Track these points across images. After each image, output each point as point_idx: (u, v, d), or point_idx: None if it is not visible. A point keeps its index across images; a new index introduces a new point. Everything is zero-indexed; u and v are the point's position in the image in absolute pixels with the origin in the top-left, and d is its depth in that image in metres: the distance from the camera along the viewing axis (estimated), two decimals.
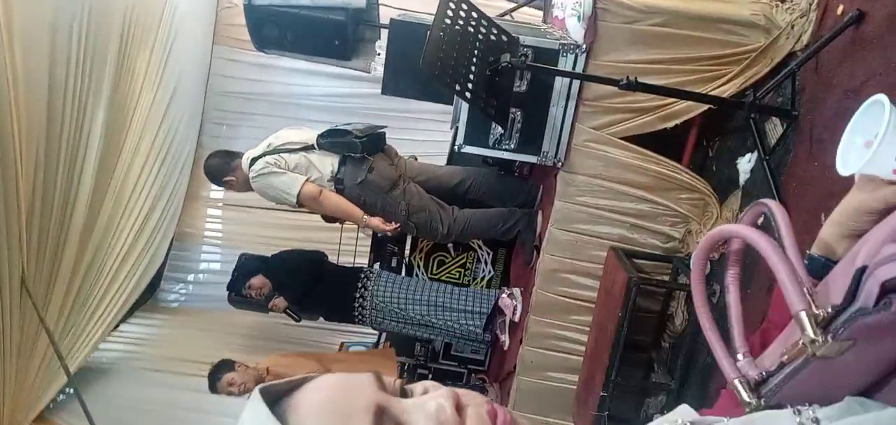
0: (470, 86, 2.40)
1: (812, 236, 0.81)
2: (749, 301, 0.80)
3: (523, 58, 2.55)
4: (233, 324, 4.84)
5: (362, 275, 3.59)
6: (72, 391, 3.81)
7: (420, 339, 3.82)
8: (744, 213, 0.80)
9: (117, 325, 4.50)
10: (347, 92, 5.14)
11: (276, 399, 0.56)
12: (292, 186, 3.05)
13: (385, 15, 3.81)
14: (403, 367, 3.89)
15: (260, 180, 3.10)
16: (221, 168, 3.29)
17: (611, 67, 2.56)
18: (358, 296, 3.51)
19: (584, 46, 2.61)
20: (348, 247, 3.91)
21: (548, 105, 2.72)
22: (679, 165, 2.78)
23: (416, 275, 3.80)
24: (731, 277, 0.81)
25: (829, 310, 0.59)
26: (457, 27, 2.40)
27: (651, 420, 0.71)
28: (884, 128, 0.73)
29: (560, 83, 2.68)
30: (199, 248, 5.50)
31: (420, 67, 2.35)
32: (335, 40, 3.72)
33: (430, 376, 3.82)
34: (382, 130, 3.29)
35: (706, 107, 2.58)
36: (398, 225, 3.16)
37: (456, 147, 2.97)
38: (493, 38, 2.50)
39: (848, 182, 0.80)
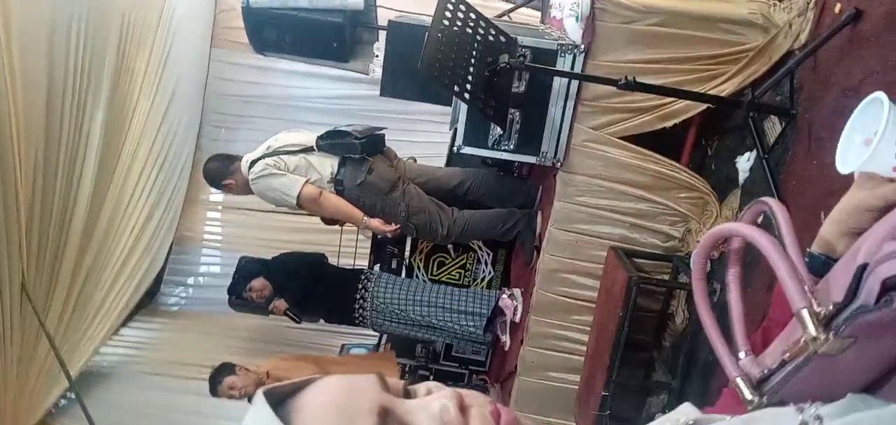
0: (468, 87, 2.40)
1: (812, 234, 0.81)
2: (749, 299, 0.80)
3: (521, 58, 2.55)
4: (233, 327, 4.84)
5: (362, 277, 3.59)
6: (73, 396, 3.81)
7: (421, 340, 3.82)
8: (744, 212, 0.81)
9: (118, 329, 4.51)
10: (346, 94, 5.14)
11: (279, 401, 0.56)
12: (292, 188, 3.05)
13: (383, 16, 3.82)
14: (404, 369, 3.89)
15: (260, 182, 3.10)
16: (220, 171, 3.29)
17: (609, 67, 2.56)
18: (358, 297, 3.51)
19: (583, 46, 2.61)
20: (348, 249, 3.91)
21: (546, 105, 2.72)
22: (678, 164, 2.79)
23: (417, 277, 3.80)
24: (732, 276, 0.81)
25: (831, 307, 0.59)
26: (455, 28, 2.41)
27: (653, 419, 0.71)
28: (883, 125, 0.73)
29: (558, 83, 2.68)
30: (198, 252, 5.50)
31: (418, 69, 2.35)
32: (333, 42, 3.73)
33: (432, 377, 3.82)
34: (381, 132, 3.30)
35: (705, 106, 2.58)
36: (398, 226, 3.17)
37: (455, 148, 2.97)
38: (491, 38, 2.51)
39: (847, 180, 0.81)
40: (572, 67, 2.63)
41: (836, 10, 2.14)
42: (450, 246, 3.75)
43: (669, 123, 2.66)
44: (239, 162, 3.23)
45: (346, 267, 3.83)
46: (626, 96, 2.59)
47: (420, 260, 3.82)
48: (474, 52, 2.43)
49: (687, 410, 0.68)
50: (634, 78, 2.27)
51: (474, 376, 3.95)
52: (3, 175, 2.97)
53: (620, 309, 2.52)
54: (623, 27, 2.55)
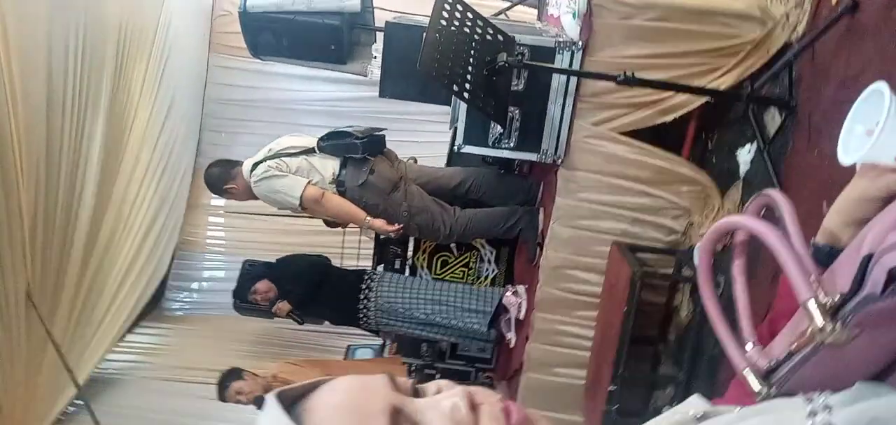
0: (467, 86, 2.40)
1: (814, 224, 0.82)
2: (754, 291, 0.81)
3: (520, 57, 2.56)
4: (238, 331, 4.86)
5: (366, 277, 3.59)
6: (81, 402, 3.83)
7: (425, 340, 3.82)
8: (748, 204, 0.81)
9: (123, 336, 4.52)
10: (345, 96, 5.15)
11: (290, 403, 0.56)
12: (294, 189, 3.05)
13: (380, 18, 3.82)
14: (410, 368, 3.89)
15: (262, 185, 3.10)
16: (222, 176, 3.29)
17: (608, 63, 2.56)
18: (362, 297, 3.51)
19: (581, 43, 2.61)
20: (351, 250, 3.92)
21: (546, 103, 2.72)
22: (679, 158, 2.79)
23: (421, 276, 3.81)
24: (738, 268, 0.82)
25: (837, 298, 0.59)
26: (452, 28, 2.41)
27: (660, 412, 0.72)
28: (884, 115, 0.74)
29: (557, 81, 2.69)
30: (202, 256, 5.52)
31: (417, 69, 2.35)
32: (331, 45, 3.73)
33: (438, 376, 3.82)
34: (382, 133, 3.30)
35: (704, 100, 2.59)
36: (401, 226, 3.17)
37: (455, 147, 2.97)
38: (488, 37, 2.51)
39: (848, 169, 0.81)
40: (571, 64, 2.63)
41: (834, 1, 2.14)
42: (453, 245, 3.76)
43: (669, 118, 2.66)
44: (240, 167, 3.23)
45: (350, 268, 3.83)
46: (625, 92, 2.60)
47: (423, 259, 3.83)
48: (472, 52, 2.43)
49: (696, 402, 0.69)
50: (633, 73, 2.27)
51: (480, 374, 3.95)
52: (6, 186, 2.98)
53: (625, 303, 2.52)
54: (621, 23, 2.55)
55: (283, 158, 3.13)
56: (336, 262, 3.89)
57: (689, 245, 2.76)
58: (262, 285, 3.66)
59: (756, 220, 0.72)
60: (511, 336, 3.43)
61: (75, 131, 3.61)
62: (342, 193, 3.13)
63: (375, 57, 3.88)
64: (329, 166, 3.15)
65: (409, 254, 3.83)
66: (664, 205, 2.80)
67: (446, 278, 3.82)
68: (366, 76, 4.07)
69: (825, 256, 0.75)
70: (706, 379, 2.56)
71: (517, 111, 2.75)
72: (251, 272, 3.92)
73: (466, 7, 2.50)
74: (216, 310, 5.17)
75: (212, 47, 5.31)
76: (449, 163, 3.77)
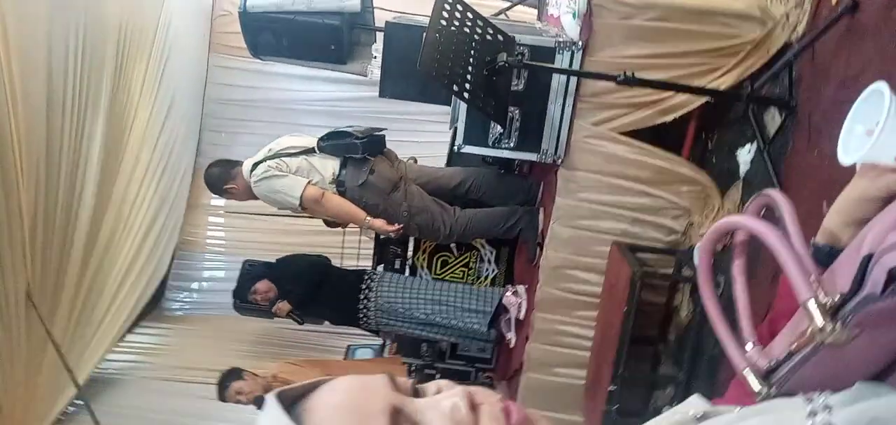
0: (467, 86, 2.40)
1: (814, 224, 0.82)
2: (754, 290, 0.81)
3: (520, 57, 2.56)
4: (238, 331, 4.86)
5: (366, 277, 3.59)
6: (81, 402, 3.83)
7: (425, 339, 3.82)
8: (748, 204, 0.81)
9: (123, 336, 4.53)
10: (345, 96, 5.16)
11: (291, 403, 0.56)
12: (295, 189, 3.05)
13: (380, 18, 3.82)
14: (410, 368, 3.90)
15: (262, 184, 3.10)
16: (222, 177, 3.29)
17: (608, 63, 2.56)
18: (362, 297, 3.51)
19: (581, 43, 2.61)
20: (351, 250, 3.92)
21: (546, 103, 2.72)
22: (679, 158, 2.79)
23: (421, 276, 3.81)
24: (738, 268, 0.82)
25: (837, 298, 0.59)
26: (452, 28, 2.41)
27: (660, 412, 0.72)
28: (884, 115, 0.74)
29: (557, 80, 2.69)
30: (201, 256, 5.52)
31: (417, 69, 2.36)
32: (331, 45, 3.72)
33: (438, 376, 3.83)
34: (382, 133, 3.30)
35: (704, 100, 2.59)
36: (401, 226, 3.17)
37: (455, 147, 2.98)
38: (488, 37, 2.51)
39: (848, 169, 0.81)
40: (571, 64, 2.63)
41: (834, 1, 2.14)
42: (453, 245, 3.76)
43: (669, 118, 2.66)
44: (240, 167, 3.23)
45: (350, 268, 3.84)
46: (625, 92, 2.60)
47: (423, 259, 3.83)
48: (472, 52, 2.43)
49: (696, 402, 0.69)
50: (633, 73, 2.27)
51: (480, 374, 3.95)
52: (6, 186, 2.99)
53: (625, 303, 2.52)
54: (621, 23, 2.56)
55: (283, 158, 3.13)
56: (336, 262, 3.89)
57: (689, 245, 2.76)
58: (263, 285, 3.67)
59: (756, 220, 0.73)
60: (511, 336, 3.43)
61: (75, 131, 3.61)
62: (342, 193, 3.13)
63: (375, 57, 3.88)
64: (329, 166, 3.15)
65: (409, 254, 3.83)
66: (664, 205, 2.80)
67: (446, 278, 3.82)
68: (366, 76, 4.07)
69: (825, 256, 0.75)
70: (706, 379, 2.56)
71: (517, 111, 2.75)
72: (251, 272, 3.92)
73: (466, 7, 2.50)
74: (216, 309, 5.17)
75: (212, 47, 5.31)
76: (449, 164, 3.78)
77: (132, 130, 4.33)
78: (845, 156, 0.80)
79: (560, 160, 2.81)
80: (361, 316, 3.54)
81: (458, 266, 3.84)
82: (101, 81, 3.86)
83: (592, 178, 2.81)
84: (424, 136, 4.86)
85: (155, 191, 4.54)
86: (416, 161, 3.60)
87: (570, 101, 2.71)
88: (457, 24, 2.43)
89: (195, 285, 5.55)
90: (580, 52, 2.61)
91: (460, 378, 3.92)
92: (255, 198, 3.26)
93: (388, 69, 3.42)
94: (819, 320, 0.60)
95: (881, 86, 0.77)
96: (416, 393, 0.57)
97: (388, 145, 3.34)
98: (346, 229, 3.66)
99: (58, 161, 3.47)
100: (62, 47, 3.40)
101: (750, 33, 2.46)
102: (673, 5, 2.51)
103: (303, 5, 3.58)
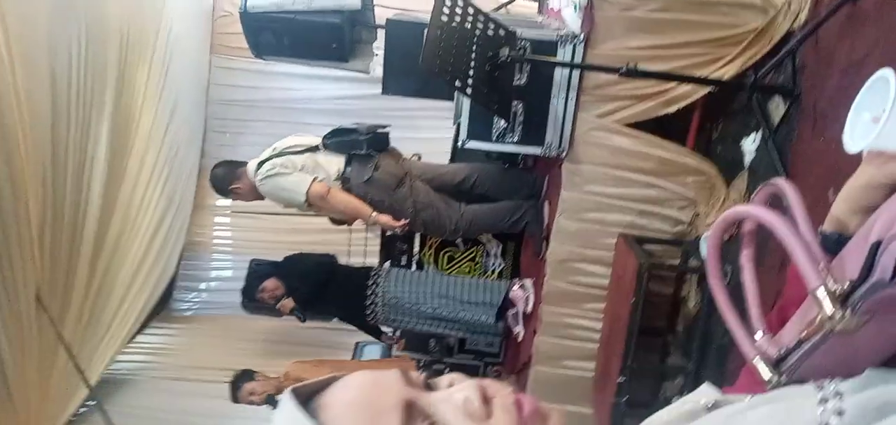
0: (470, 81, 2.40)
1: (820, 212, 0.82)
2: (763, 279, 0.81)
3: (522, 51, 2.56)
4: (246, 330, 4.89)
5: (373, 273, 3.60)
6: (93, 403, 3.86)
7: (433, 335, 3.83)
8: (755, 193, 0.82)
9: (133, 336, 4.56)
10: (348, 94, 5.16)
11: (305, 399, 0.57)
12: (300, 186, 3.05)
13: (380, 15, 3.82)
14: (418, 364, 3.91)
15: (268, 182, 3.11)
16: (227, 177, 3.30)
17: (610, 55, 2.56)
18: (369, 293, 3.52)
19: (582, 36, 2.61)
20: (358, 247, 3.93)
21: (549, 96, 2.72)
22: (684, 149, 2.79)
23: (427, 272, 3.82)
24: (746, 257, 0.82)
25: (846, 285, 0.60)
26: (454, 24, 2.41)
27: (670, 402, 0.72)
28: (890, 103, 0.74)
29: (560, 74, 2.68)
30: (209, 256, 5.55)
31: (419, 66, 2.36)
32: (332, 43, 3.72)
33: (447, 371, 3.84)
34: (386, 130, 3.31)
35: (708, 90, 2.58)
36: (407, 221, 3.17)
37: (459, 143, 2.98)
38: (490, 32, 2.51)
39: (853, 157, 0.81)
40: (573, 57, 2.63)
41: None
42: (459, 240, 3.76)
43: (673, 109, 2.65)
44: (245, 167, 3.24)
45: (357, 265, 3.85)
46: (628, 83, 2.59)
47: (430, 255, 3.84)
48: (474, 47, 2.43)
49: (707, 391, 0.69)
50: (636, 65, 2.27)
51: (489, 368, 3.96)
52: (15, 191, 3.01)
53: (632, 295, 2.52)
54: (622, 14, 2.55)
55: (288, 156, 3.14)
56: (343, 260, 3.90)
57: (696, 235, 2.76)
58: (270, 283, 3.68)
59: (764, 209, 0.73)
60: (519, 330, 3.44)
61: (81, 136, 3.63)
62: (347, 190, 3.14)
63: (377, 54, 3.89)
64: (334, 163, 3.16)
65: (416, 250, 3.84)
66: (670, 196, 2.80)
67: (453, 273, 3.83)
68: (368, 73, 4.08)
69: (833, 244, 0.76)
70: (715, 368, 2.56)
71: (520, 105, 2.75)
72: (258, 271, 3.94)
73: (467, 2, 2.50)
74: (224, 309, 5.21)
75: (213, 48, 5.32)
76: (453, 159, 3.78)
77: (137, 133, 4.35)
78: (852, 143, 0.81)
79: (564, 153, 2.81)
80: (369, 313, 3.55)
81: (465, 261, 3.85)
82: (105, 86, 3.87)
83: (597, 171, 2.81)
84: (428, 133, 4.87)
85: (161, 193, 4.56)
86: (420, 158, 3.61)
87: (573, 94, 2.70)
88: (458, 19, 2.43)
89: (203, 285, 5.58)
90: (582, 44, 2.61)
91: (469, 372, 3.90)
92: (261, 197, 3.27)
93: (391, 66, 3.43)
94: (828, 308, 0.60)
95: (887, 73, 0.77)
96: (429, 388, 0.58)
97: (392, 142, 3.34)
98: (353, 227, 3.66)
99: (64, 165, 3.49)
100: (65, 54, 3.42)
101: (752, 22, 2.46)
102: None
103: (303, 4, 3.58)
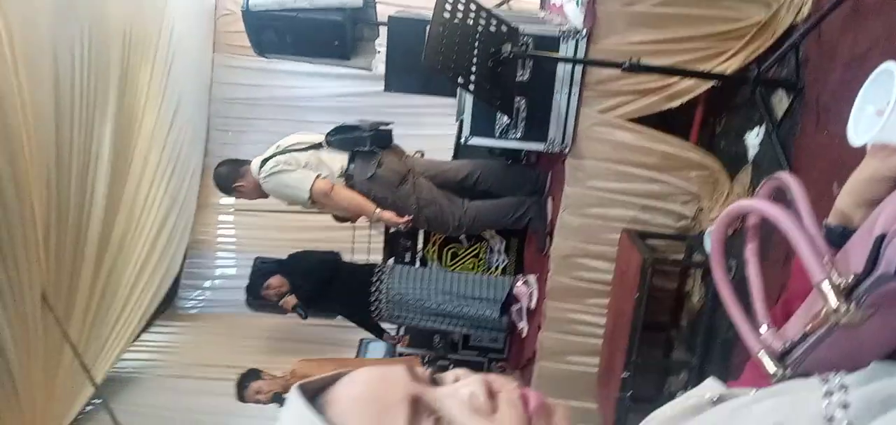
0: (473, 78, 2.40)
1: (824, 205, 0.82)
2: (767, 273, 0.81)
3: (524, 47, 2.56)
4: (251, 327, 4.91)
5: (377, 270, 3.61)
6: (98, 401, 3.88)
7: (438, 331, 3.84)
8: (760, 187, 0.82)
9: (139, 335, 4.58)
10: (351, 91, 5.16)
11: (313, 395, 0.57)
12: (304, 182, 3.06)
13: (382, 12, 3.82)
14: (423, 360, 3.91)
15: (271, 180, 3.12)
16: (231, 175, 3.31)
17: (613, 50, 2.56)
18: (374, 290, 3.52)
19: (585, 31, 2.61)
20: (361, 245, 3.93)
21: (552, 92, 2.72)
22: (687, 143, 2.78)
23: (431, 268, 3.82)
24: (751, 251, 0.82)
25: (851, 278, 0.60)
26: (456, 21, 2.41)
27: (674, 397, 0.72)
28: (894, 96, 0.74)
29: (563, 69, 2.68)
30: (213, 255, 5.56)
31: (421, 63, 2.36)
32: (334, 41, 3.72)
33: (451, 367, 3.85)
34: (389, 127, 3.31)
35: (711, 84, 2.58)
36: (411, 217, 3.17)
37: (462, 139, 2.98)
38: (492, 29, 2.50)
39: (857, 150, 0.81)
40: (575, 53, 2.63)
41: None
42: (462, 236, 3.77)
43: (676, 103, 2.66)
44: (248, 165, 3.25)
45: (361, 262, 3.85)
46: (631, 78, 2.59)
47: (433, 252, 3.84)
48: (477, 43, 2.43)
49: (711, 385, 0.69)
50: (639, 60, 2.27)
51: (493, 364, 3.97)
52: (19, 191, 3.02)
53: (636, 290, 2.52)
54: (624, 9, 2.55)
55: (291, 153, 3.15)
56: (347, 258, 3.91)
57: (700, 230, 2.76)
58: (275, 280, 3.69)
59: (768, 203, 0.73)
60: (523, 325, 3.44)
61: (84, 137, 3.64)
62: (351, 187, 3.14)
63: (379, 51, 3.89)
64: (337, 160, 3.16)
65: (419, 246, 3.84)
66: (673, 190, 2.80)
67: (456, 270, 3.84)
68: (371, 70, 4.08)
69: (838, 237, 0.76)
70: (720, 363, 2.56)
71: (523, 101, 2.75)
72: (262, 269, 3.94)
73: None
74: (229, 307, 5.22)
75: (216, 47, 5.33)
76: (456, 156, 3.78)
77: (140, 133, 4.36)
78: (856, 136, 0.81)
79: (567, 149, 2.81)
80: (374, 309, 3.56)
81: (468, 257, 3.85)
82: (108, 86, 3.88)
83: (600, 166, 2.81)
84: (431, 129, 4.86)
85: (165, 192, 4.57)
86: (423, 155, 3.61)
87: (575, 89, 2.70)
88: (460, 15, 2.43)
89: (207, 283, 5.59)
90: (584, 40, 2.61)
91: (473, 369, 3.90)
92: (264, 195, 3.27)
93: (393, 63, 3.43)
94: (833, 301, 0.60)
95: (890, 66, 0.77)
96: (435, 383, 0.58)
97: (395, 139, 3.34)
98: (356, 224, 3.67)
99: (68, 166, 3.51)
100: (68, 55, 3.43)
101: (755, 15, 2.45)
102: None
103: (305, 2, 3.57)
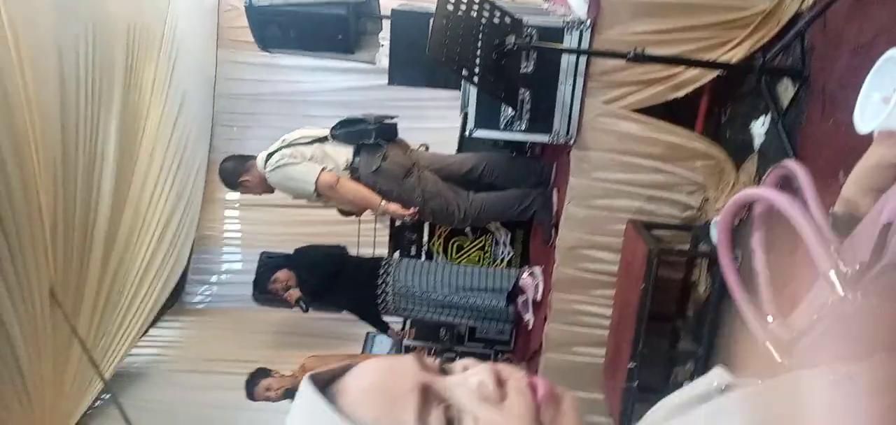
0: (477, 70, 2.40)
1: (830, 193, 0.82)
2: (773, 262, 0.81)
3: (528, 38, 2.55)
4: (258, 322, 4.93)
5: (383, 263, 3.61)
6: (108, 397, 3.91)
7: (444, 323, 3.85)
8: (766, 176, 0.82)
9: (147, 330, 4.60)
10: (355, 85, 5.16)
11: (324, 385, 0.58)
12: (310, 175, 3.06)
13: (386, 6, 3.81)
14: (429, 352, 3.92)
15: (277, 173, 3.12)
16: (236, 170, 3.31)
17: (617, 41, 2.55)
18: (380, 283, 3.53)
19: (589, 22, 2.60)
20: (367, 238, 3.94)
21: (556, 83, 2.71)
22: (693, 133, 2.78)
23: (437, 261, 3.83)
24: (757, 240, 0.82)
25: (857, 267, 0.60)
26: (459, 13, 2.40)
27: (681, 387, 0.73)
28: None
29: (567, 60, 2.68)
30: (219, 250, 5.59)
31: (425, 55, 2.36)
32: (338, 35, 3.72)
33: (458, 359, 3.85)
34: (394, 121, 3.31)
35: (716, 73, 2.57)
36: (416, 209, 3.17)
37: (467, 132, 2.98)
38: (496, 20, 2.50)
39: (863, 138, 0.81)
40: (580, 43, 2.62)
41: None
42: (468, 229, 3.77)
43: (681, 93, 2.65)
44: (254, 160, 3.25)
45: (367, 256, 3.86)
46: (635, 69, 2.58)
47: (439, 244, 3.85)
48: (480, 35, 2.42)
49: (719, 374, 0.69)
50: (643, 50, 2.26)
51: (500, 356, 3.97)
52: (26, 189, 3.04)
53: (642, 281, 2.52)
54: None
55: (297, 147, 3.15)
56: (352, 251, 3.92)
57: (705, 220, 2.75)
58: (282, 274, 3.71)
59: (775, 192, 0.73)
60: (529, 317, 3.44)
61: (90, 134, 3.66)
62: (356, 180, 3.14)
63: (383, 45, 3.89)
64: (342, 154, 3.17)
65: (425, 240, 3.84)
66: (679, 181, 2.79)
67: (462, 262, 3.84)
68: (374, 64, 4.07)
69: (844, 226, 0.76)
70: (726, 353, 2.55)
71: (527, 93, 2.75)
72: (269, 263, 3.96)
73: None
74: (236, 301, 5.25)
75: (220, 42, 5.33)
76: (460, 149, 3.77)
77: (145, 129, 4.37)
78: (862, 124, 0.81)
79: (572, 140, 2.80)
80: (380, 302, 3.56)
81: (474, 249, 3.86)
82: (113, 84, 3.90)
83: (606, 157, 2.80)
84: (435, 122, 4.85)
85: (171, 188, 4.59)
86: (427, 148, 3.61)
87: (580, 80, 2.70)
88: (464, 8, 2.42)
89: (214, 278, 5.62)
90: (589, 30, 2.60)
91: (480, 359, 3.93)
92: (270, 190, 3.28)
93: (397, 57, 3.43)
94: (840, 290, 0.60)
95: (895, 53, 0.77)
96: (444, 372, 0.59)
97: (399, 133, 3.34)
98: (361, 218, 3.67)
99: (75, 164, 3.52)
100: (72, 54, 3.44)
101: (760, 4, 2.44)
102: None
103: None
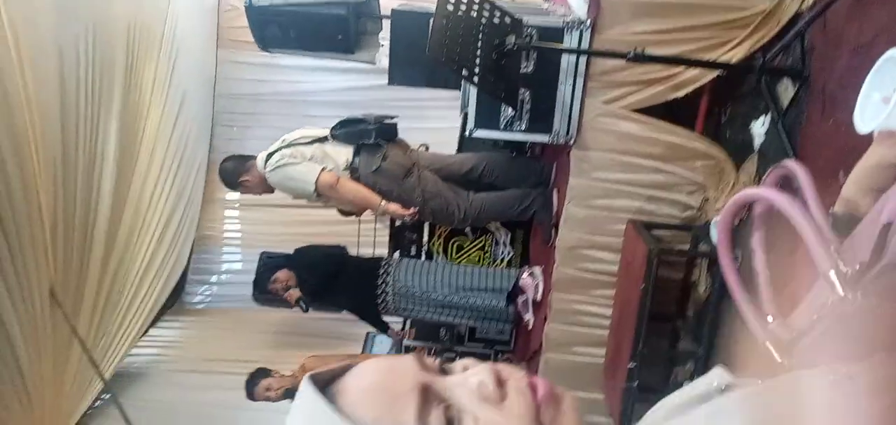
0: (476, 70, 2.40)
1: (830, 193, 0.82)
2: (773, 262, 0.81)
3: (528, 38, 2.55)
4: (258, 322, 4.93)
5: (383, 263, 3.61)
6: (108, 396, 3.91)
7: (444, 323, 3.85)
8: (766, 176, 0.82)
9: (147, 330, 4.60)
10: (355, 85, 5.16)
11: (323, 385, 0.58)
12: (310, 175, 3.06)
13: (386, 6, 3.81)
14: (429, 352, 3.92)
15: (277, 173, 3.12)
16: (236, 170, 3.31)
17: (617, 41, 2.55)
18: (380, 283, 3.53)
19: (589, 21, 2.60)
20: (367, 239, 3.93)
21: (556, 83, 2.72)
22: (693, 133, 2.78)
23: (437, 261, 3.83)
24: (757, 240, 0.82)
25: (857, 267, 0.60)
26: (459, 13, 2.40)
27: (681, 387, 0.73)
28: None
29: (567, 61, 2.68)
30: (219, 250, 5.59)
31: (425, 55, 2.36)
32: (338, 35, 3.72)
33: (458, 359, 3.85)
34: (394, 121, 3.31)
35: (716, 73, 2.57)
36: (416, 209, 3.17)
37: (467, 132, 2.98)
38: (496, 20, 2.50)
39: (863, 138, 0.81)
40: (580, 43, 2.62)
41: None
42: (468, 229, 3.77)
43: (681, 93, 2.65)
44: (254, 160, 3.25)
45: (367, 256, 3.86)
46: (635, 68, 2.58)
47: (439, 244, 3.85)
48: (480, 35, 2.42)
49: (719, 373, 0.69)
50: (643, 50, 2.26)
51: (500, 356, 3.97)
52: (26, 189, 3.04)
53: (642, 281, 2.52)
54: None
55: (297, 146, 3.15)
56: (352, 251, 3.91)
57: (705, 220, 2.75)
58: (282, 274, 3.71)
59: (775, 191, 0.73)
60: (529, 317, 3.44)
61: (90, 134, 3.66)
62: (356, 180, 3.14)
63: (383, 45, 3.89)
64: (342, 153, 3.17)
65: (425, 240, 3.84)
66: (679, 181, 2.79)
67: (462, 262, 3.84)
68: (375, 64, 4.07)
69: (844, 225, 0.76)
70: (726, 353, 2.55)
71: (527, 93, 2.75)
72: (269, 263, 3.96)
73: None
74: (236, 301, 5.25)
75: (220, 42, 5.33)
76: (460, 149, 3.77)
77: (145, 129, 4.37)
78: (863, 124, 0.81)
79: (572, 140, 2.80)
80: (380, 302, 3.56)
81: (474, 249, 3.86)
82: (113, 83, 3.90)
83: (606, 157, 2.80)
84: (435, 122, 4.85)
85: (171, 187, 4.59)
86: (427, 148, 3.61)
87: (580, 80, 2.70)
88: (464, 8, 2.42)
89: (214, 278, 5.62)
90: (589, 30, 2.60)
91: (480, 360, 3.93)
92: (270, 190, 3.28)
93: (397, 57, 3.43)
94: (840, 290, 0.60)
95: (895, 53, 0.77)
96: (444, 372, 0.59)
97: (399, 133, 3.34)
98: (362, 218, 3.67)
99: (75, 164, 3.52)
100: (72, 53, 3.44)
101: (760, 4, 2.44)
102: None
103: None
